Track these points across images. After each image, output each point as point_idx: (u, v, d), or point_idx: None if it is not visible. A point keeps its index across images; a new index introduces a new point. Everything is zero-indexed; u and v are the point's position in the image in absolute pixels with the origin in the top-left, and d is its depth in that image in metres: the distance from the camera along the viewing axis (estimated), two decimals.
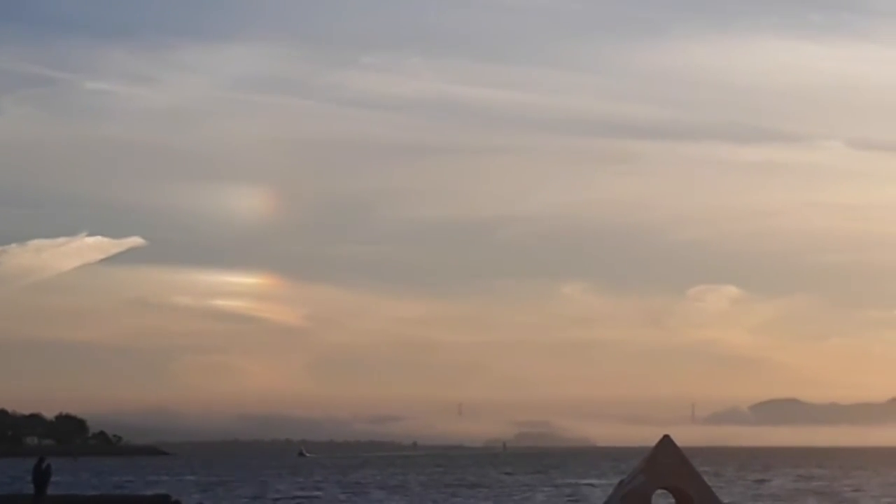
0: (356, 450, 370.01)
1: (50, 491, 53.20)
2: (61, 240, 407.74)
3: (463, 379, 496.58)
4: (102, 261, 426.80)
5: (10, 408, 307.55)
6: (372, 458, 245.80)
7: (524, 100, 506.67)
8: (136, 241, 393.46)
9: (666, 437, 16.97)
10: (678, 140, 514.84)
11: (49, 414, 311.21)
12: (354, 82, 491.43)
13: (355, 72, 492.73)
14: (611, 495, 17.24)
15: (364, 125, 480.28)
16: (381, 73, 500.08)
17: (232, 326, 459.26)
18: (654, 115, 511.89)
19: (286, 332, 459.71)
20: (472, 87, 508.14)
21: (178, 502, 57.48)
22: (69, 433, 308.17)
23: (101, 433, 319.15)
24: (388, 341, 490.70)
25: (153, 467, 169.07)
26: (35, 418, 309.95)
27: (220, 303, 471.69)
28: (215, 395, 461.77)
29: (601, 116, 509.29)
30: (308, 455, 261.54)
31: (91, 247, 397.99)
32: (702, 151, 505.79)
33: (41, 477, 52.16)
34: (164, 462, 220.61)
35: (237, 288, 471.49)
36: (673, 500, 16.85)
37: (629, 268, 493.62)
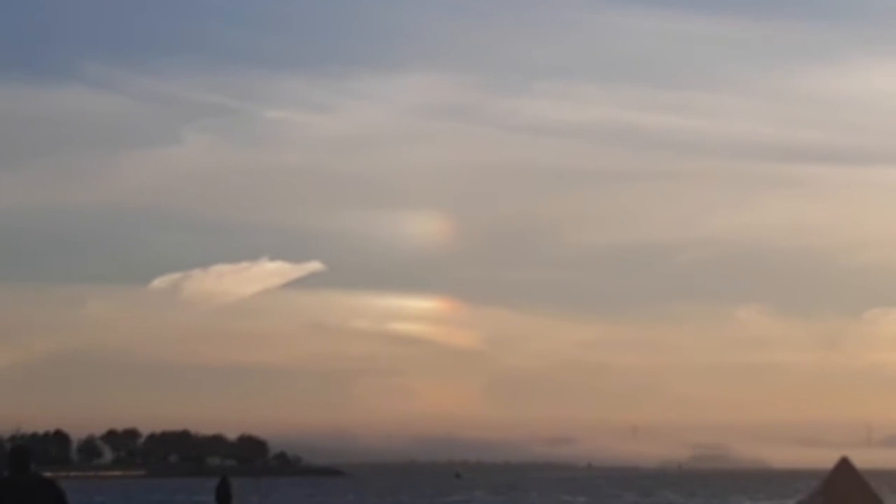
0: (531, 471, 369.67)
1: None
2: (243, 265, 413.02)
3: (638, 401, 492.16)
4: (283, 286, 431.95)
5: (193, 429, 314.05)
6: (538, 479, 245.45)
7: (697, 125, 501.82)
8: (315, 265, 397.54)
9: (844, 459, 16.87)
10: (852, 165, 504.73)
11: (231, 435, 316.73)
12: (528, 108, 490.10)
13: (528, 98, 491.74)
14: None
15: (538, 151, 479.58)
16: (555, 100, 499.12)
17: (409, 349, 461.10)
18: (827, 139, 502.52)
19: (462, 355, 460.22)
20: (646, 113, 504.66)
21: None
22: (250, 454, 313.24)
23: (282, 454, 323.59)
24: (564, 364, 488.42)
25: (330, 487, 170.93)
26: (218, 439, 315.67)
27: (398, 326, 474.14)
28: (392, 416, 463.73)
29: (774, 141, 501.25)
30: (463, 477, 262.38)
31: (272, 272, 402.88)
32: (876, 176, 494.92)
33: (224, 496, 53.25)
34: (342, 483, 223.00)
35: (414, 311, 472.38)
36: None
37: (804, 291, 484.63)
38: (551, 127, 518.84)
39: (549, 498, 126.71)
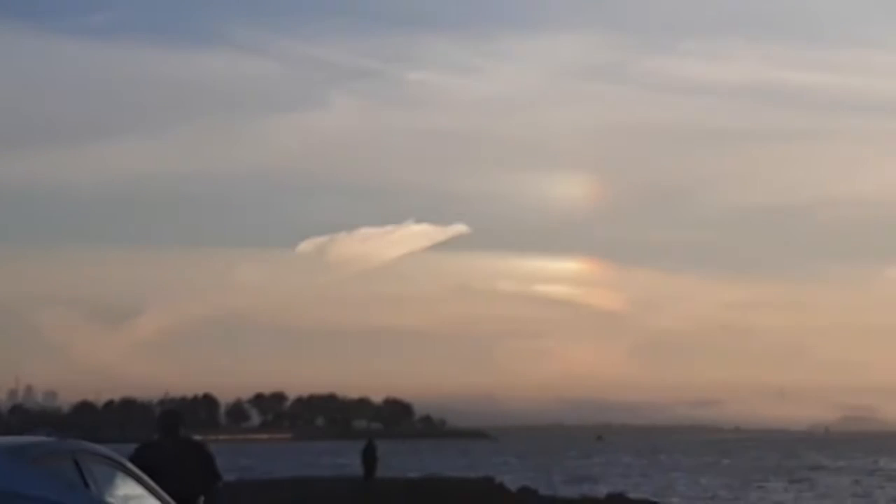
0: (677, 433, 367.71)
1: (378, 473, 54.52)
2: (388, 228, 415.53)
3: (785, 363, 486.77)
4: (428, 248, 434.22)
5: (339, 392, 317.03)
6: (681, 441, 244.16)
7: (846, 83, 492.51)
8: (460, 228, 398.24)
9: None
10: None
11: (376, 398, 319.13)
12: (674, 68, 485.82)
13: (675, 58, 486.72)
14: None
15: (684, 111, 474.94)
16: (701, 59, 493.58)
17: (554, 311, 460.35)
18: None
19: (608, 317, 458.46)
20: (794, 71, 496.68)
21: (502, 484, 58.08)
22: (396, 417, 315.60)
23: (427, 417, 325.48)
24: (710, 325, 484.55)
25: (477, 450, 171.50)
26: (363, 402, 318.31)
27: (543, 288, 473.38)
28: (537, 379, 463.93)
29: None
30: (605, 439, 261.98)
31: (417, 234, 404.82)
32: None
33: (370, 459, 53.52)
34: (488, 445, 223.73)
35: (559, 273, 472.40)
36: None
37: None
38: (698, 86, 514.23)
39: (691, 460, 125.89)
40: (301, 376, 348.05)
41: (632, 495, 60.50)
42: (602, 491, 63.83)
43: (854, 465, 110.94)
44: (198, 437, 16.97)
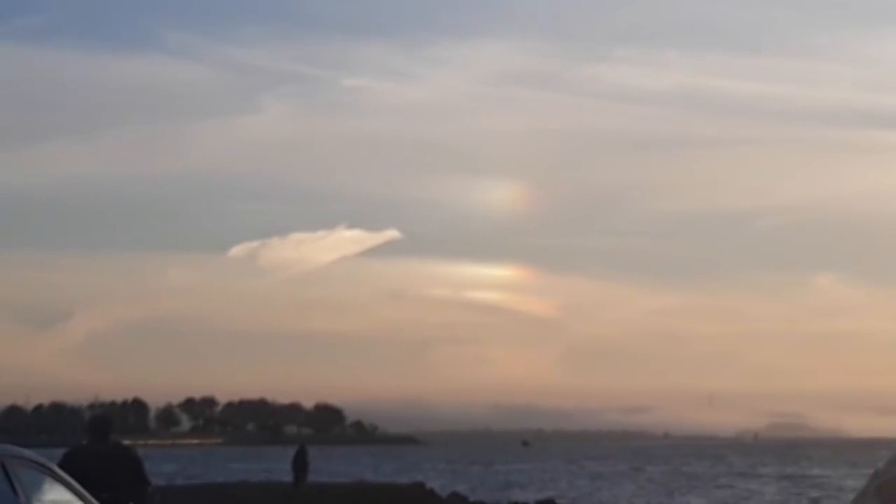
0: (607, 440, 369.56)
1: (309, 478, 54.57)
2: (320, 233, 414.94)
3: (714, 369, 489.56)
4: (360, 253, 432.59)
5: (270, 397, 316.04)
6: (609, 447, 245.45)
7: (778, 91, 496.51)
8: (392, 233, 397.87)
9: None
10: None
11: (308, 403, 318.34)
12: (607, 75, 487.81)
13: (609, 65, 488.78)
14: (865, 486, 17.03)
15: (618, 118, 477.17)
16: (635, 66, 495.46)
17: (485, 317, 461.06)
18: None
19: (539, 323, 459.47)
20: (726, 80, 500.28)
21: (433, 490, 58.32)
22: (327, 422, 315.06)
23: (358, 422, 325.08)
24: (640, 332, 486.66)
25: (408, 456, 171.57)
26: (294, 408, 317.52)
27: (474, 294, 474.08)
28: (469, 385, 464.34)
29: (854, 106, 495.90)
30: (532, 445, 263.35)
31: (349, 240, 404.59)
32: None
33: (301, 464, 53.58)
34: (419, 450, 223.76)
35: (491, 280, 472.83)
36: None
37: (883, 259, 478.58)
38: (631, 94, 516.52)
39: (617, 466, 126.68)
40: (232, 381, 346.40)
41: (560, 501, 60.96)
42: (530, 497, 64.19)
43: (779, 471, 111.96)
44: (127, 442, 17.02)
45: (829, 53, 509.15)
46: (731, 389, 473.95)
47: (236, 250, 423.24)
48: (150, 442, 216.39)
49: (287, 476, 57.63)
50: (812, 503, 68.77)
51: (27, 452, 10.72)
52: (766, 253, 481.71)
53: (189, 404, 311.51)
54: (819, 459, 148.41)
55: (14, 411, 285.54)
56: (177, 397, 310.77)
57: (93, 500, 11.21)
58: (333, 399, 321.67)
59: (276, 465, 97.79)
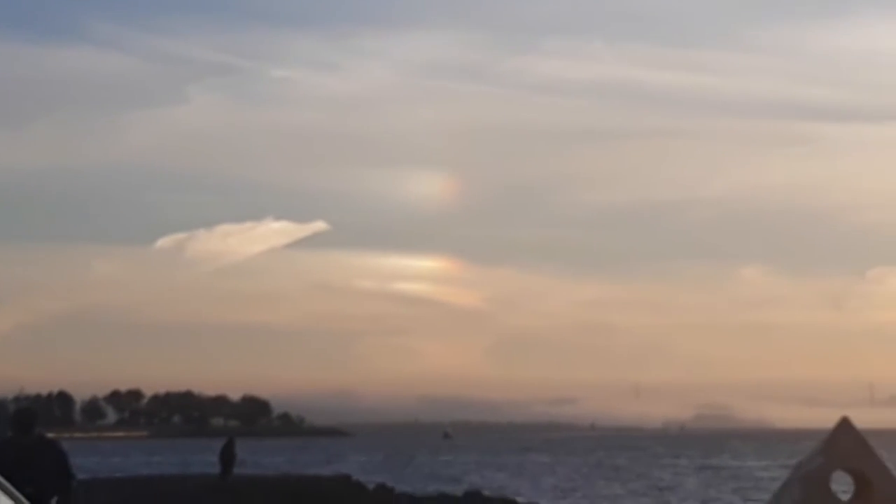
0: (534, 431, 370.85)
1: (235, 470, 54.37)
2: (248, 224, 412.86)
3: (641, 361, 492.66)
4: (287, 245, 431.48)
5: (196, 389, 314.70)
6: (532, 439, 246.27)
7: (705, 83, 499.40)
8: (320, 225, 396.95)
9: (844, 419, 16.88)
10: (858, 122, 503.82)
11: (234, 396, 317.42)
12: (536, 67, 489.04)
13: (536, 57, 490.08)
14: (789, 477, 17.22)
15: (545, 110, 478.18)
16: (563, 58, 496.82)
17: (413, 309, 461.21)
18: (834, 97, 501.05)
19: (466, 315, 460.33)
20: (654, 71, 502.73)
21: (360, 482, 58.29)
22: (254, 414, 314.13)
23: (285, 414, 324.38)
24: (567, 324, 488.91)
25: (334, 448, 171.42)
26: (221, 400, 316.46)
27: (402, 286, 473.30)
28: (396, 377, 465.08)
29: (781, 99, 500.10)
30: (453, 437, 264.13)
31: (276, 231, 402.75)
32: (882, 133, 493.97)
33: (227, 457, 53.36)
34: (346, 443, 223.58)
35: (418, 271, 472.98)
36: (851, 482, 16.80)
37: (808, 250, 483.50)
38: (559, 86, 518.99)
39: (540, 457, 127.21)
40: (158, 373, 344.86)
41: (486, 492, 61.09)
42: (455, 488, 64.35)
43: (702, 462, 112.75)
44: (52, 436, 16.89)
45: (757, 45, 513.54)
46: (658, 381, 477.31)
47: (162, 242, 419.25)
48: (76, 435, 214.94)
49: (214, 468, 57.37)
50: (731, 493, 69.40)
51: None
52: (693, 244, 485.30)
53: (115, 397, 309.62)
54: (742, 451, 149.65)
55: None
56: (102, 390, 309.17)
57: (17, 493, 11.12)
58: (260, 391, 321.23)
59: (202, 458, 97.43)
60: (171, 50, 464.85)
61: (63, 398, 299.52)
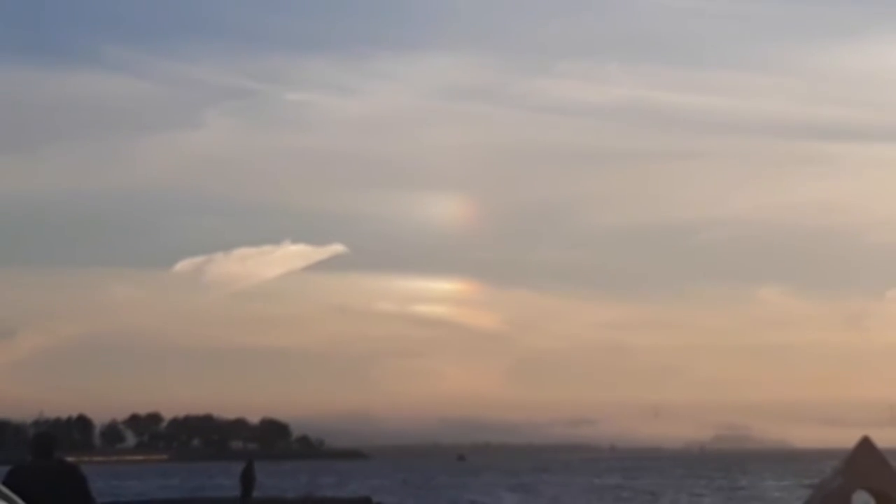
0: (553, 453, 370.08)
1: (255, 493, 54.38)
2: (265, 248, 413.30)
3: (660, 382, 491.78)
4: (305, 268, 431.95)
5: (216, 412, 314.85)
6: (550, 460, 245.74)
7: (720, 104, 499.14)
8: (338, 248, 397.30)
9: (865, 438, 16.84)
10: (874, 142, 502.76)
11: (253, 419, 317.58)
12: (550, 89, 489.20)
13: (551, 79, 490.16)
14: (811, 496, 17.16)
15: (560, 132, 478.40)
16: (577, 80, 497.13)
17: (431, 331, 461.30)
18: (850, 116, 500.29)
19: (485, 337, 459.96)
20: (669, 93, 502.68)
21: None
22: (273, 437, 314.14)
23: (304, 437, 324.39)
24: (586, 345, 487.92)
25: (354, 471, 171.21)
26: (240, 423, 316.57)
27: (420, 308, 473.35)
28: (415, 399, 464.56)
29: (797, 119, 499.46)
30: (467, 459, 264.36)
31: (294, 254, 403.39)
32: None
33: (247, 479, 53.39)
34: (365, 465, 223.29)
35: (437, 294, 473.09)
36: (873, 502, 16.74)
37: (827, 270, 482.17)
38: (573, 107, 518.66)
39: (545, 479, 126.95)
40: (177, 397, 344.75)
41: None
42: None
43: (721, 483, 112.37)
44: (72, 460, 16.90)
45: (772, 66, 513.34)
46: (677, 402, 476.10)
47: (181, 266, 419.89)
48: (95, 459, 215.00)
49: (234, 491, 57.40)
50: None
51: None
52: (711, 265, 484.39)
53: (134, 420, 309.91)
54: (762, 471, 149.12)
55: None
56: (122, 413, 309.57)
57: None
58: (279, 414, 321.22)
59: (221, 482, 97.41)
60: (187, 74, 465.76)
61: (82, 422, 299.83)
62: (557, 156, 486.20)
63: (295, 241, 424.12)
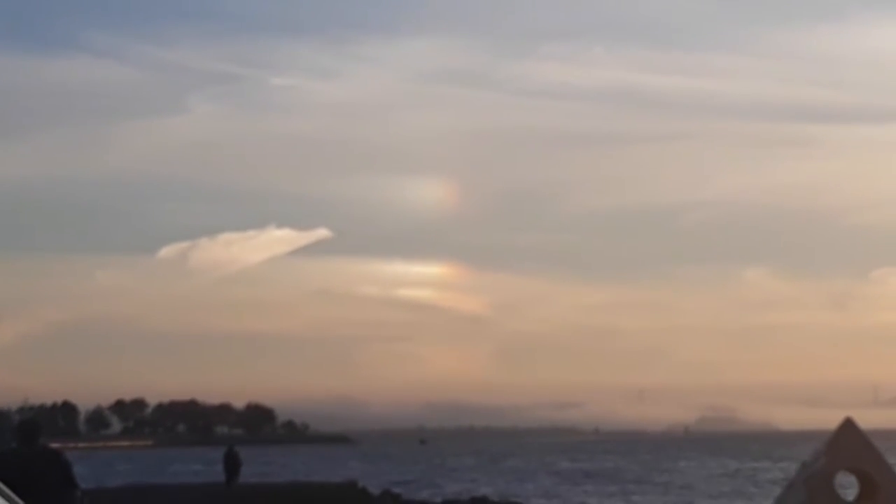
0: (538, 435, 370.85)
1: (241, 478, 54.39)
2: (250, 233, 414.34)
3: (644, 364, 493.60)
4: (290, 253, 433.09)
5: (201, 398, 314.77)
6: (534, 444, 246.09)
7: (704, 86, 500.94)
8: (322, 233, 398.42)
9: (848, 420, 16.85)
10: (857, 123, 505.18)
11: (238, 404, 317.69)
12: (536, 73, 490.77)
13: (535, 62, 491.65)
14: (793, 478, 17.18)
15: (545, 115, 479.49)
16: (561, 63, 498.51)
17: (416, 315, 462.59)
18: (832, 98, 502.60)
19: (469, 321, 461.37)
20: (654, 75, 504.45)
21: (365, 489, 58.28)
22: (258, 422, 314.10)
23: (289, 422, 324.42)
24: (570, 328, 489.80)
25: (339, 455, 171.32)
26: (225, 408, 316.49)
27: (405, 292, 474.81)
28: (400, 383, 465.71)
29: (780, 101, 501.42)
30: (428, 443, 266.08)
31: (279, 239, 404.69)
32: (884, 135, 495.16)
33: (232, 465, 53.39)
34: (350, 449, 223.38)
35: (421, 277, 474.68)
36: (856, 484, 16.78)
37: (811, 252, 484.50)
38: (558, 90, 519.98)
39: (522, 461, 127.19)
40: (162, 382, 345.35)
41: (492, 497, 61.12)
42: (460, 493, 64.37)
43: (707, 463, 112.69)
44: (56, 446, 16.88)
45: (757, 48, 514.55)
46: (662, 384, 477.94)
47: (165, 251, 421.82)
48: (80, 445, 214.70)
49: (219, 476, 57.40)
50: (735, 495, 69.36)
51: None
52: (695, 247, 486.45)
53: (119, 406, 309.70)
54: (746, 452, 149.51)
55: None
56: (106, 399, 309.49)
57: None
58: (264, 399, 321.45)
59: (207, 467, 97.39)
60: (171, 59, 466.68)
61: (67, 408, 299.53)
62: (542, 139, 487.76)
63: (279, 225, 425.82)
